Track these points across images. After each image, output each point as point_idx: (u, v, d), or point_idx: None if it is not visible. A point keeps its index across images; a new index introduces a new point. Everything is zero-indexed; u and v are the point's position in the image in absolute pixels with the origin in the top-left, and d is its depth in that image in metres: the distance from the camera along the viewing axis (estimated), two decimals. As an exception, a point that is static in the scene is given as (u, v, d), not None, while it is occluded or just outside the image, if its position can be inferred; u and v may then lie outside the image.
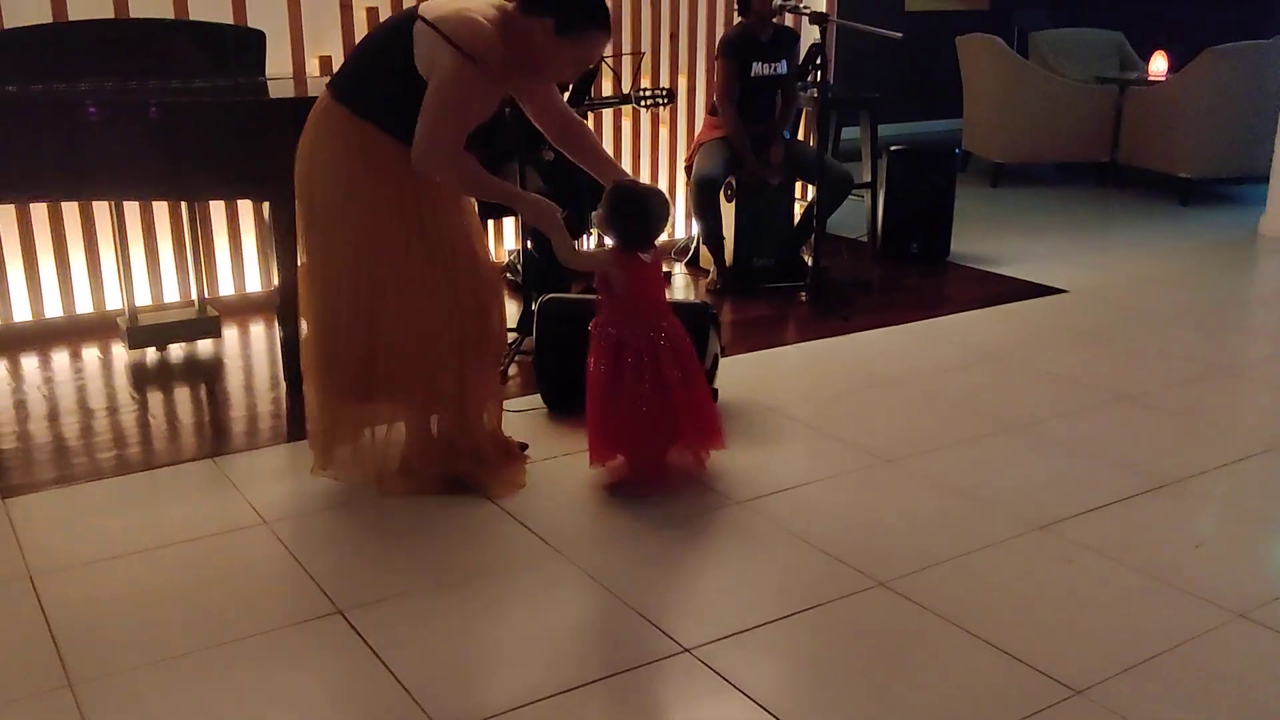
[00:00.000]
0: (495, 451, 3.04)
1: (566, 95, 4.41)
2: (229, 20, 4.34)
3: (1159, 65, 7.58)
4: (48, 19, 4.05)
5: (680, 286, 5.05)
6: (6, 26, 3.97)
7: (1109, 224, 6.37)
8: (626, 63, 5.17)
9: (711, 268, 5.03)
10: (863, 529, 2.81)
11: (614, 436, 2.96)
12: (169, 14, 4.23)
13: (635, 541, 2.74)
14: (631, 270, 2.93)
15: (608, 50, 5.12)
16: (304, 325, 3.02)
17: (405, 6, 2.83)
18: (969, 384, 3.84)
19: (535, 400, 3.57)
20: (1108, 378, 3.89)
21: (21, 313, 4.24)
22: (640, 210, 2.93)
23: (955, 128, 7.92)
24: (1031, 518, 2.86)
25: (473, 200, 3.01)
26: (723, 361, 3.74)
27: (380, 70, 2.77)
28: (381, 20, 4.50)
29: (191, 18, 4.25)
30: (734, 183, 4.88)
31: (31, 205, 4.12)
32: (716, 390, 3.54)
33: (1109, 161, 7.37)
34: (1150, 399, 3.71)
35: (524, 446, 3.17)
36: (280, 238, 3.66)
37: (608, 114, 5.26)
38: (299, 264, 3.00)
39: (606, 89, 5.06)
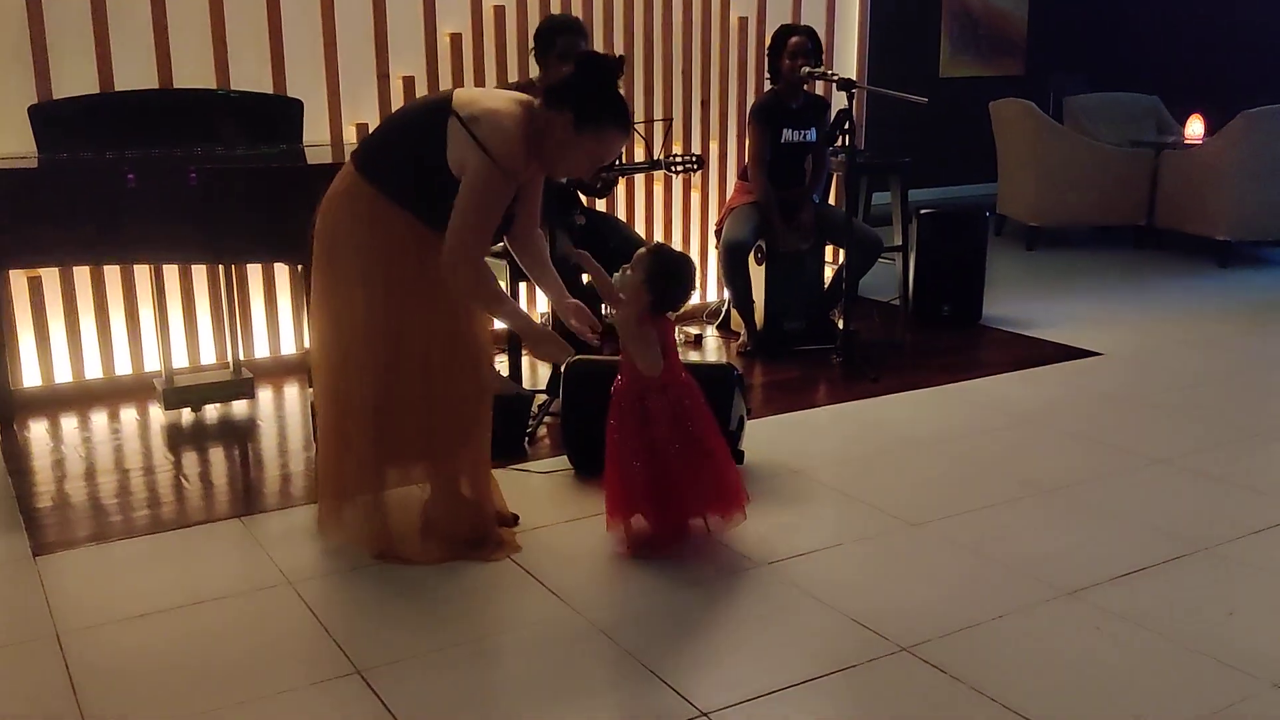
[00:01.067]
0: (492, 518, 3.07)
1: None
2: (269, 90, 4.46)
3: (1195, 128, 7.57)
4: (95, 90, 4.18)
5: (711, 349, 5.07)
6: (56, 97, 4.10)
7: (1145, 287, 6.33)
8: (657, 129, 5.24)
9: (742, 330, 5.05)
10: (888, 593, 2.78)
11: (633, 498, 2.96)
12: (211, 84, 4.35)
13: (655, 602, 2.73)
14: (661, 328, 2.96)
15: (639, 116, 5.21)
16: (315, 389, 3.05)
17: (440, 88, 2.87)
18: (999, 447, 3.81)
19: (562, 461, 3.58)
20: (1141, 441, 3.84)
21: (63, 374, 4.32)
22: (683, 273, 3.00)
23: (990, 192, 7.93)
24: (1060, 583, 2.82)
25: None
26: (751, 424, 3.74)
27: (409, 154, 2.80)
28: (417, 93, 4.63)
29: (233, 88, 4.37)
30: (764, 247, 4.91)
31: (74, 268, 4.22)
32: (742, 453, 3.54)
33: (1145, 225, 7.34)
34: (1184, 463, 3.65)
35: (515, 518, 3.16)
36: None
37: (639, 179, 5.32)
38: (312, 324, 3.02)
39: (637, 155, 5.13)
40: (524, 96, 2.82)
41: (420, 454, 2.97)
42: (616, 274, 3.04)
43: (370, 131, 2.96)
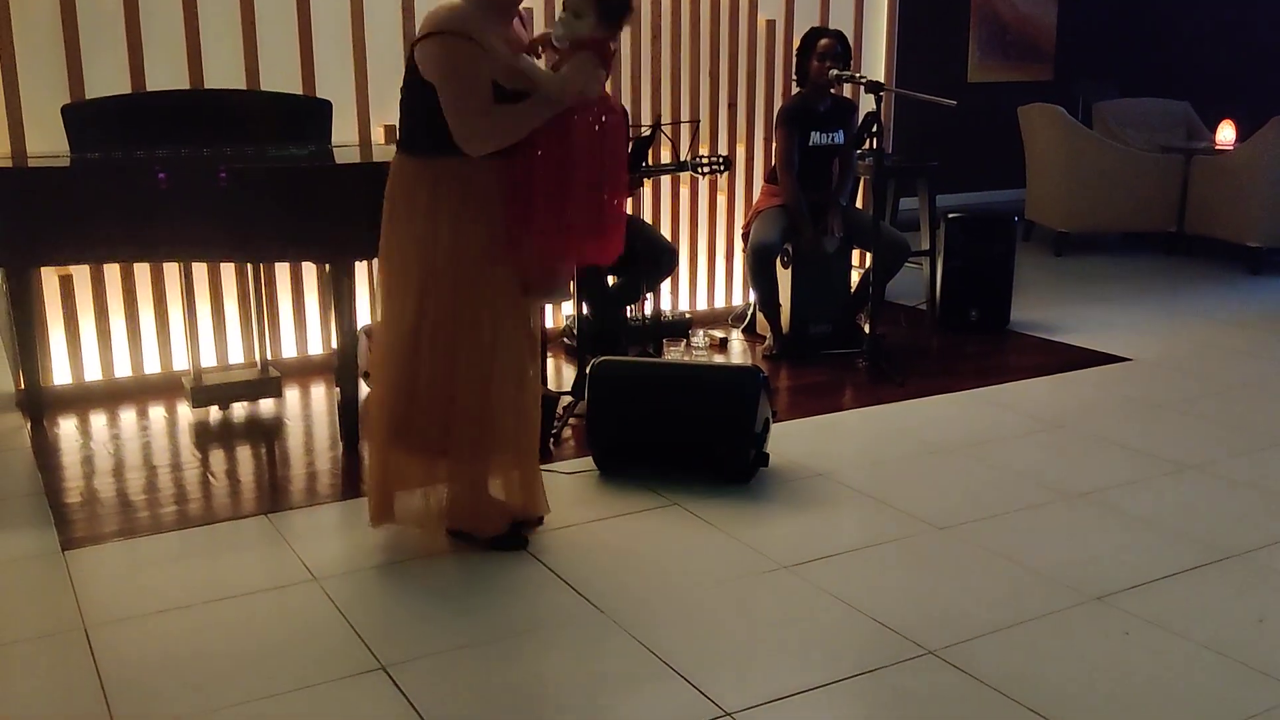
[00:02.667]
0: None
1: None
2: (298, 90, 4.48)
3: (1226, 134, 7.50)
4: (127, 90, 4.21)
5: (737, 352, 5.06)
6: (88, 98, 4.14)
7: (1175, 293, 6.27)
8: (684, 130, 5.24)
9: (768, 334, 5.03)
10: (914, 596, 2.77)
11: (530, 193, 2.84)
12: (241, 85, 4.38)
13: (680, 603, 2.72)
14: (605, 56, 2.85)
15: (666, 117, 5.21)
16: (368, 380, 3.06)
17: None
18: (1027, 452, 3.78)
19: (587, 462, 3.58)
20: (1171, 447, 3.81)
21: (93, 372, 4.36)
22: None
23: (1018, 197, 7.88)
24: (1088, 588, 2.79)
25: None
26: (777, 427, 3.73)
27: (416, 108, 2.82)
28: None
29: (263, 88, 4.40)
30: (791, 250, 4.90)
31: (105, 267, 4.26)
32: (767, 455, 3.53)
33: (1176, 231, 7.27)
34: (1214, 469, 3.62)
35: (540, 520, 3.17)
36: (339, 299, 3.74)
37: (665, 181, 5.32)
38: (376, 320, 3.01)
39: (664, 156, 5.13)
40: None
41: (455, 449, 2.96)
42: (557, 25, 2.88)
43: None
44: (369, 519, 3.04)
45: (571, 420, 3.97)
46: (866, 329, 4.86)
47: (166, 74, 4.27)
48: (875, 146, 4.56)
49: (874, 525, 3.21)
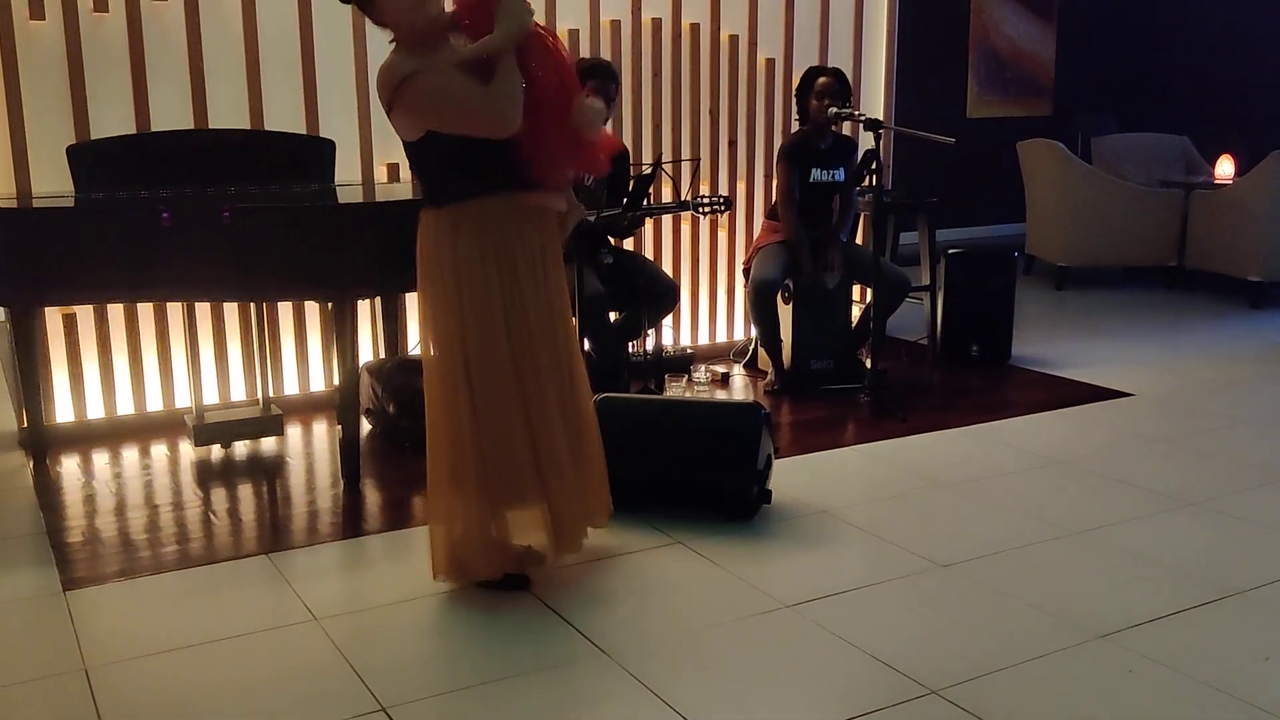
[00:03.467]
0: None
1: (624, 201, 4.50)
2: (302, 130, 4.52)
3: (1225, 169, 7.54)
4: (132, 130, 4.25)
5: (739, 388, 5.06)
6: (94, 138, 4.17)
7: (1177, 327, 6.28)
8: (685, 169, 5.27)
9: (769, 369, 5.04)
10: (917, 635, 2.76)
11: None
12: (245, 125, 4.42)
13: (682, 643, 2.71)
14: None
15: (667, 155, 5.25)
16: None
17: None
18: (1029, 488, 3.77)
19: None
20: (1173, 483, 3.80)
21: (95, 410, 4.37)
22: None
23: (1018, 232, 7.91)
24: (1092, 626, 2.78)
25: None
26: (778, 463, 3.72)
27: (420, 165, 2.91)
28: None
29: (267, 128, 4.44)
30: (792, 285, 4.91)
31: (108, 305, 4.27)
32: (769, 492, 3.53)
33: (1176, 265, 7.29)
34: (1217, 505, 3.61)
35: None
36: (342, 337, 3.75)
37: (666, 219, 5.35)
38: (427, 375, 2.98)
39: (666, 195, 5.16)
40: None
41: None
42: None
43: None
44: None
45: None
46: (868, 364, 4.87)
47: (171, 114, 4.31)
48: (875, 183, 4.59)
49: (876, 563, 3.20)
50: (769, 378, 5.04)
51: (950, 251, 5.45)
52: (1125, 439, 4.31)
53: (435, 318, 2.90)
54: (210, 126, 4.36)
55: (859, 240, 5.68)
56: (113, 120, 4.23)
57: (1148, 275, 7.62)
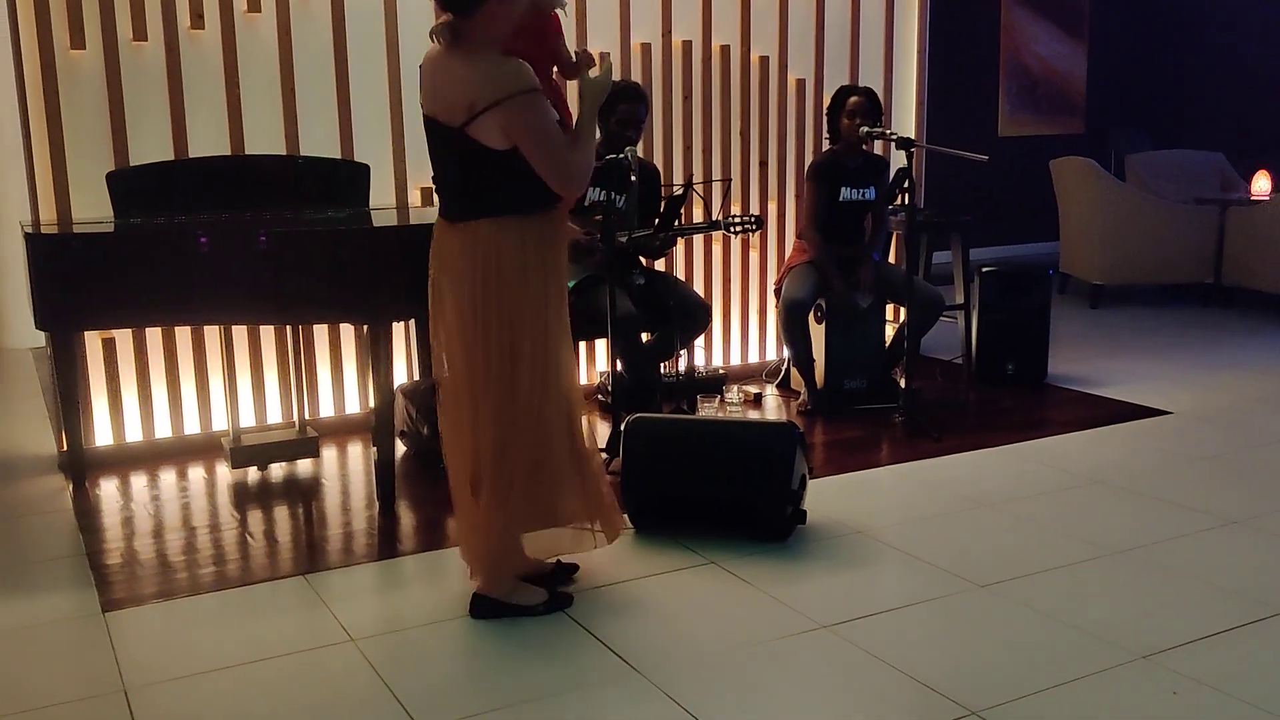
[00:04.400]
0: None
1: (656, 222, 4.51)
2: (337, 155, 4.56)
3: (1261, 184, 7.46)
4: (170, 156, 4.31)
5: (772, 408, 5.05)
6: (133, 164, 4.23)
7: (1214, 344, 6.20)
8: (716, 189, 5.27)
9: (802, 389, 5.02)
10: (955, 656, 2.73)
11: None
12: (281, 150, 4.47)
13: (718, 664, 2.70)
14: None
15: (698, 176, 5.25)
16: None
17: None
18: (1067, 507, 3.73)
19: (623, 520, 3.56)
20: (1214, 501, 3.75)
21: (134, 433, 4.41)
22: None
23: (1052, 250, 7.86)
24: (1133, 646, 2.74)
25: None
26: (813, 483, 3.71)
27: (494, 173, 2.83)
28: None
29: (303, 153, 4.49)
30: (824, 305, 4.90)
31: (146, 330, 4.32)
32: (804, 512, 3.51)
33: (1213, 282, 7.22)
34: (1259, 523, 3.55)
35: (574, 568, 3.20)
36: (377, 360, 3.78)
37: (698, 239, 5.35)
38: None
39: (697, 215, 5.16)
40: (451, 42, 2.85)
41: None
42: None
43: (440, 192, 3.02)
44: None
45: (606, 477, 3.96)
46: (902, 384, 4.84)
47: (208, 140, 4.37)
48: (907, 202, 4.58)
49: (913, 583, 3.17)
50: (802, 398, 5.02)
51: (984, 270, 5.42)
52: (1165, 457, 4.26)
53: (488, 327, 2.84)
54: (247, 152, 4.42)
55: (891, 259, 5.66)
56: (151, 147, 4.29)
57: (1184, 292, 7.54)
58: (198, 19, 4.31)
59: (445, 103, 2.81)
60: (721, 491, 3.46)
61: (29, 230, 3.87)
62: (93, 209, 4.18)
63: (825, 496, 3.77)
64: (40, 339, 4.13)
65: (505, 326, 2.85)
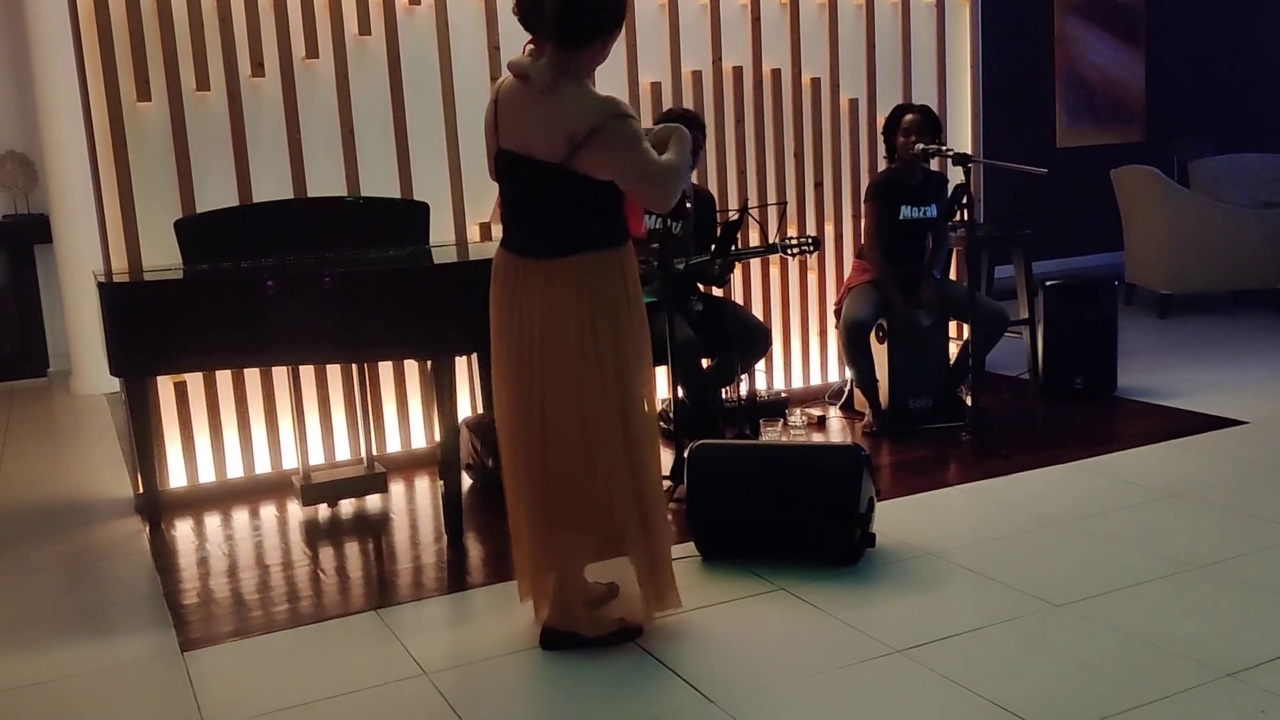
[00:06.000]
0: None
1: (712, 248, 4.52)
2: (397, 194, 4.64)
3: (1332, 185, 7.29)
4: (235, 202, 4.40)
5: (836, 431, 5.01)
6: (199, 211, 4.34)
7: (1290, 351, 6.06)
8: (772, 212, 5.27)
9: (867, 411, 4.98)
10: (1034, 678, 2.68)
11: None
12: (342, 191, 4.55)
13: (793, 691, 2.67)
14: None
15: (753, 200, 5.26)
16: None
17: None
18: (1143, 522, 3.66)
19: (689, 548, 3.56)
20: (1297, 513, 3.65)
21: (206, 474, 4.50)
22: None
23: (1116, 260, 7.74)
24: (1218, 664, 2.67)
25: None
26: (881, 505, 3.67)
27: (595, 205, 2.85)
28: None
29: (363, 194, 4.56)
30: (885, 325, 4.87)
31: (217, 373, 4.41)
32: (874, 535, 3.47)
33: (1285, 287, 7.06)
34: (1347, 535, 3.45)
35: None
36: (441, 394, 3.82)
37: (754, 262, 5.35)
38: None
39: (754, 239, 5.16)
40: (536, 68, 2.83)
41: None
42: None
43: (525, 229, 2.96)
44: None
45: (671, 505, 3.96)
46: (968, 401, 4.79)
47: (272, 184, 4.46)
48: (967, 217, 4.54)
49: (987, 604, 3.12)
50: (867, 419, 4.98)
51: (1048, 283, 5.35)
52: (1242, 468, 4.16)
53: (602, 362, 2.84)
54: (309, 195, 4.50)
55: (952, 276, 5.60)
56: (216, 193, 4.39)
57: (1255, 299, 7.37)
58: (258, 67, 4.41)
59: (541, 138, 2.79)
60: (788, 517, 3.44)
61: (101, 280, 3.98)
62: (162, 256, 4.28)
63: (894, 518, 3.73)
64: (114, 384, 4.23)
65: (615, 359, 2.85)
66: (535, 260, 2.87)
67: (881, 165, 5.11)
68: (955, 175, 5.00)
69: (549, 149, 2.78)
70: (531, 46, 2.85)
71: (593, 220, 2.85)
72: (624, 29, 2.89)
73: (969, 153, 4.97)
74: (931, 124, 4.83)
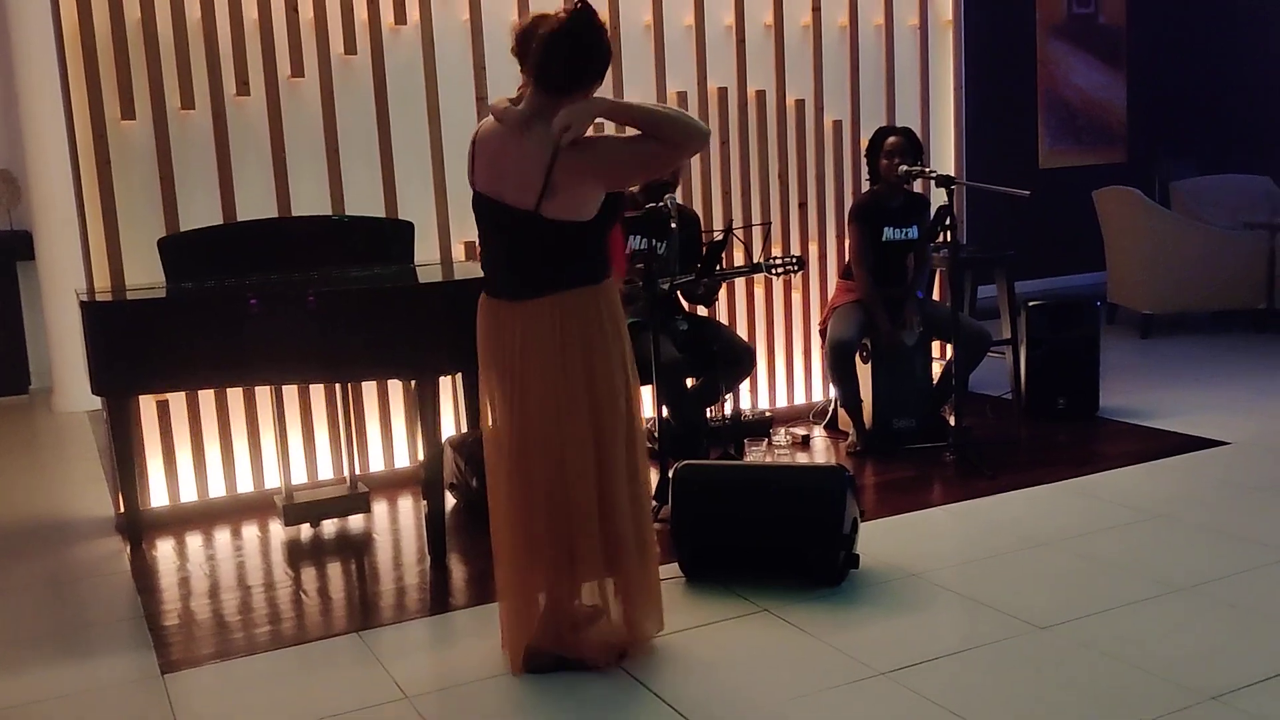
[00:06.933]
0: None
1: (697, 268, 4.53)
2: (382, 213, 4.63)
3: (1312, 207, 7.36)
4: (218, 221, 4.39)
5: (820, 450, 5.01)
6: (183, 229, 4.32)
7: (1271, 372, 6.08)
8: (756, 233, 5.29)
9: (851, 430, 4.99)
10: (1018, 701, 2.68)
11: None
12: (327, 210, 4.54)
13: (776, 714, 2.67)
14: None
15: (738, 221, 5.27)
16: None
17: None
18: (1126, 544, 3.67)
19: (673, 569, 3.55)
20: (1277, 534, 3.66)
21: (188, 494, 4.47)
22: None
23: (1099, 280, 7.78)
24: (1202, 687, 2.68)
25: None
26: (865, 526, 3.67)
27: (586, 241, 2.87)
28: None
29: (347, 212, 4.56)
30: (869, 345, 4.88)
31: (199, 392, 4.38)
32: (857, 556, 3.47)
33: (1266, 308, 7.10)
34: (1328, 556, 3.47)
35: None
36: (425, 414, 3.80)
37: (740, 282, 5.36)
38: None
39: (738, 259, 5.17)
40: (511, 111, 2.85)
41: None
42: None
43: (504, 271, 2.96)
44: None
45: (655, 525, 3.95)
46: (952, 421, 4.80)
47: (256, 203, 4.45)
48: (950, 239, 4.56)
49: (972, 626, 3.12)
50: (850, 439, 4.99)
51: (1031, 304, 5.38)
52: (1225, 489, 4.18)
53: (593, 394, 2.86)
54: (293, 214, 4.49)
55: (935, 296, 5.62)
56: (200, 211, 4.37)
57: (1236, 319, 7.42)
58: (243, 86, 4.41)
59: (512, 185, 2.81)
60: (772, 538, 3.44)
61: (84, 298, 3.96)
62: (145, 275, 4.26)
63: (878, 539, 3.73)
64: (95, 402, 4.21)
65: (591, 393, 2.86)
66: (514, 302, 2.89)
67: (864, 187, 5.14)
68: (938, 196, 5.03)
69: (520, 196, 2.80)
70: (520, 91, 2.87)
71: (566, 264, 2.87)
72: (610, 49, 2.89)
73: (952, 174, 4.99)
74: (914, 146, 4.85)
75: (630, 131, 2.85)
